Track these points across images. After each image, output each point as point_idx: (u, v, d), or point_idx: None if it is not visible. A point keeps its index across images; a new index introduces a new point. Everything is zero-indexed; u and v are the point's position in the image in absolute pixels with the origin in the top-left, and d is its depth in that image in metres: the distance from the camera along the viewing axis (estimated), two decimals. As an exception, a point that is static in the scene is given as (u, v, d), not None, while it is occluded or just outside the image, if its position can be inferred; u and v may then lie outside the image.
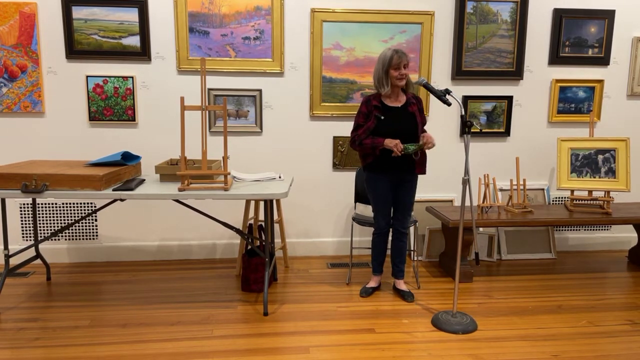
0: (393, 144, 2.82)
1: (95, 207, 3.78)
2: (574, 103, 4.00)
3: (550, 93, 3.98)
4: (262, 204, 3.59)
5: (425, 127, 3.88)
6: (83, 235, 3.82)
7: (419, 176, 3.96)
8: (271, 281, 3.35)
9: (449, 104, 2.71)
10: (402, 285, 3.22)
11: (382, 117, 2.88)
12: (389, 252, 3.28)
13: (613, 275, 3.62)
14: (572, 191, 3.77)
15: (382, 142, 2.85)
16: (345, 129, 3.85)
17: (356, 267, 3.74)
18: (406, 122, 2.91)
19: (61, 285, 3.34)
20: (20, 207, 3.72)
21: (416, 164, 2.98)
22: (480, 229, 3.95)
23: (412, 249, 3.88)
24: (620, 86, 4.03)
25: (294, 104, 3.79)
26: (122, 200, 3.01)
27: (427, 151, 3.06)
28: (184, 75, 3.68)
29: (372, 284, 3.26)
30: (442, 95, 2.69)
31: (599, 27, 3.90)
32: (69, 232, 3.81)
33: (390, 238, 3.20)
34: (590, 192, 3.75)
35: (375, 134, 2.89)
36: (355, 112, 3.76)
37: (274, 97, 3.77)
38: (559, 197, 4.16)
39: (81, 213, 3.77)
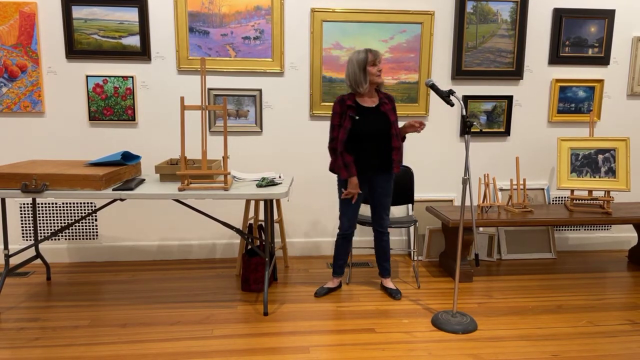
0: (355, 189, 2.90)
1: (95, 207, 3.78)
2: (574, 103, 4.00)
3: (550, 93, 3.98)
4: (262, 203, 3.59)
5: (426, 128, 3.92)
6: (83, 235, 3.82)
7: (420, 175, 3.97)
8: (271, 281, 3.35)
9: (452, 105, 2.73)
10: (389, 283, 3.23)
11: (357, 117, 2.88)
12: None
13: (613, 275, 3.62)
14: (572, 191, 3.77)
15: (350, 176, 2.89)
16: (345, 128, 3.85)
17: (356, 266, 3.74)
18: (381, 122, 2.92)
19: (61, 285, 3.34)
20: (20, 207, 3.72)
21: (394, 163, 2.98)
22: (480, 228, 3.95)
23: (412, 248, 3.88)
24: (620, 86, 4.03)
25: (294, 103, 3.79)
26: (122, 200, 3.01)
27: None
28: (184, 75, 3.68)
29: (330, 284, 3.25)
30: (447, 96, 2.72)
31: (599, 27, 3.90)
32: (69, 232, 3.81)
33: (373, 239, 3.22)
34: (590, 191, 3.75)
35: (351, 134, 2.88)
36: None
37: (274, 97, 3.77)
38: (559, 197, 4.16)
39: (81, 213, 3.77)
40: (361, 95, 2.94)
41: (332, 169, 3.01)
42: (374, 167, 2.96)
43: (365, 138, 2.90)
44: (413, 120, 2.94)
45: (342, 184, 3.01)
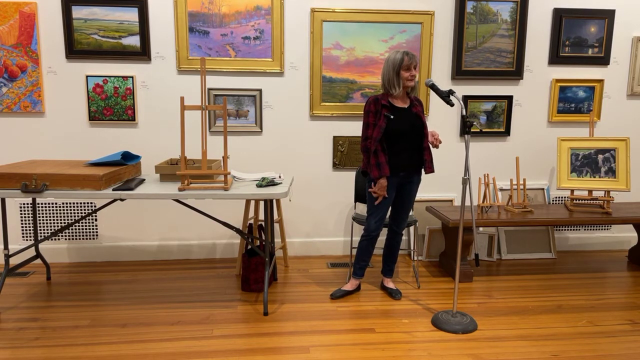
0: (382, 191, 2.88)
1: (95, 207, 3.78)
2: (574, 103, 4.00)
3: (550, 93, 3.98)
4: (262, 203, 3.59)
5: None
6: (83, 235, 3.82)
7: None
8: (271, 281, 3.35)
9: (452, 105, 2.73)
10: (389, 283, 3.26)
11: (392, 117, 2.85)
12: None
13: (613, 275, 3.62)
14: (572, 191, 3.77)
15: (381, 176, 2.84)
16: (346, 128, 3.85)
17: (356, 267, 3.74)
18: (413, 122, 2.90)
19: (61, 285, 3.34)
20: (20, 207, 3.72)
21: (427, 163, 2.96)
22: (480, 228, 3.95)
23: (412, 248, 3.88)
24: (620, 86, 4.03)
25: (294, 103, 3.79)
26: (122, 200, 3.01)
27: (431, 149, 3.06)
28: (184, 75, 3.68)
29: (348, 286, 3.21)
30: (447, 96, 2.72)
31: (599, 27, 3.90)
32: (69, 232, 3.81)
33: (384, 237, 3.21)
34: (590, 191, 3.75)
35: (385, 133, 2.85)
36: (355, 112, 3.80)
37: (274, 97, 3.77)
38: (559, 197, 4.16)
39: (81, 213, 3.77)
40: (393, 97, 2.92)
41: (365, 169, 2.97)
42: (406, 167, 2.94)
43: (399, 137, 2.88)
44: (432, 134, 2.95)
45: (372, 184, 2.97)
